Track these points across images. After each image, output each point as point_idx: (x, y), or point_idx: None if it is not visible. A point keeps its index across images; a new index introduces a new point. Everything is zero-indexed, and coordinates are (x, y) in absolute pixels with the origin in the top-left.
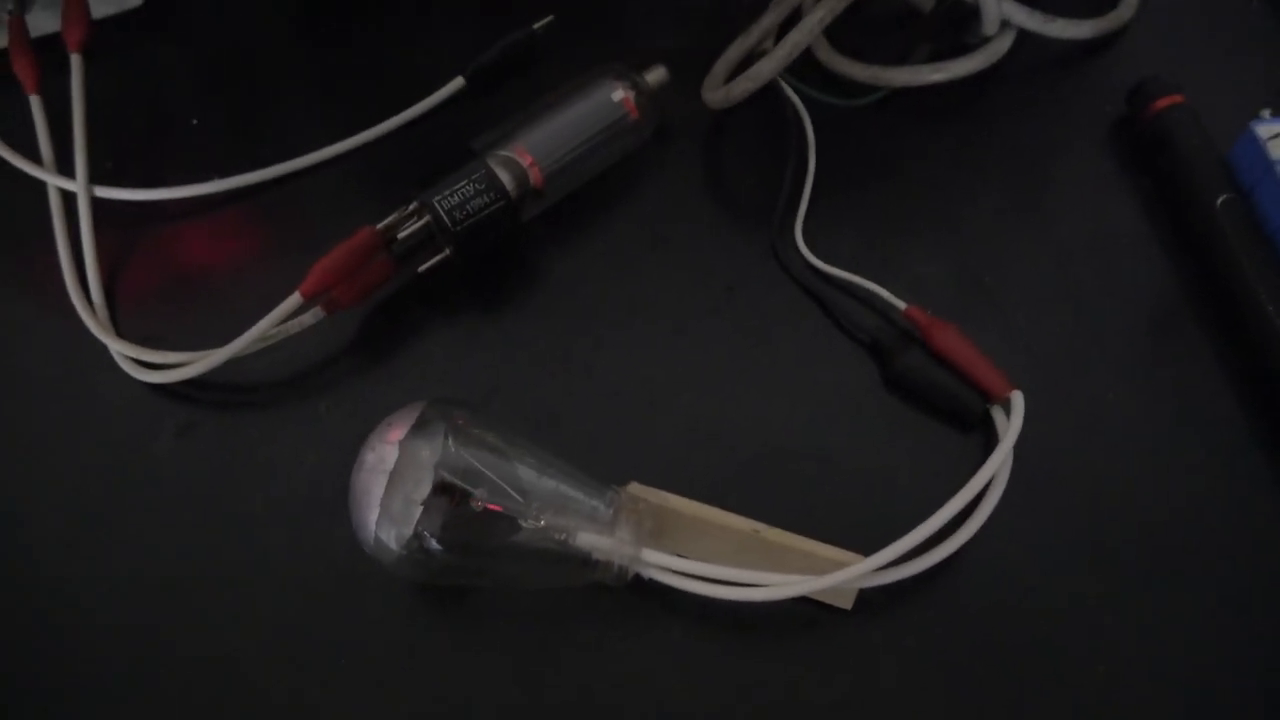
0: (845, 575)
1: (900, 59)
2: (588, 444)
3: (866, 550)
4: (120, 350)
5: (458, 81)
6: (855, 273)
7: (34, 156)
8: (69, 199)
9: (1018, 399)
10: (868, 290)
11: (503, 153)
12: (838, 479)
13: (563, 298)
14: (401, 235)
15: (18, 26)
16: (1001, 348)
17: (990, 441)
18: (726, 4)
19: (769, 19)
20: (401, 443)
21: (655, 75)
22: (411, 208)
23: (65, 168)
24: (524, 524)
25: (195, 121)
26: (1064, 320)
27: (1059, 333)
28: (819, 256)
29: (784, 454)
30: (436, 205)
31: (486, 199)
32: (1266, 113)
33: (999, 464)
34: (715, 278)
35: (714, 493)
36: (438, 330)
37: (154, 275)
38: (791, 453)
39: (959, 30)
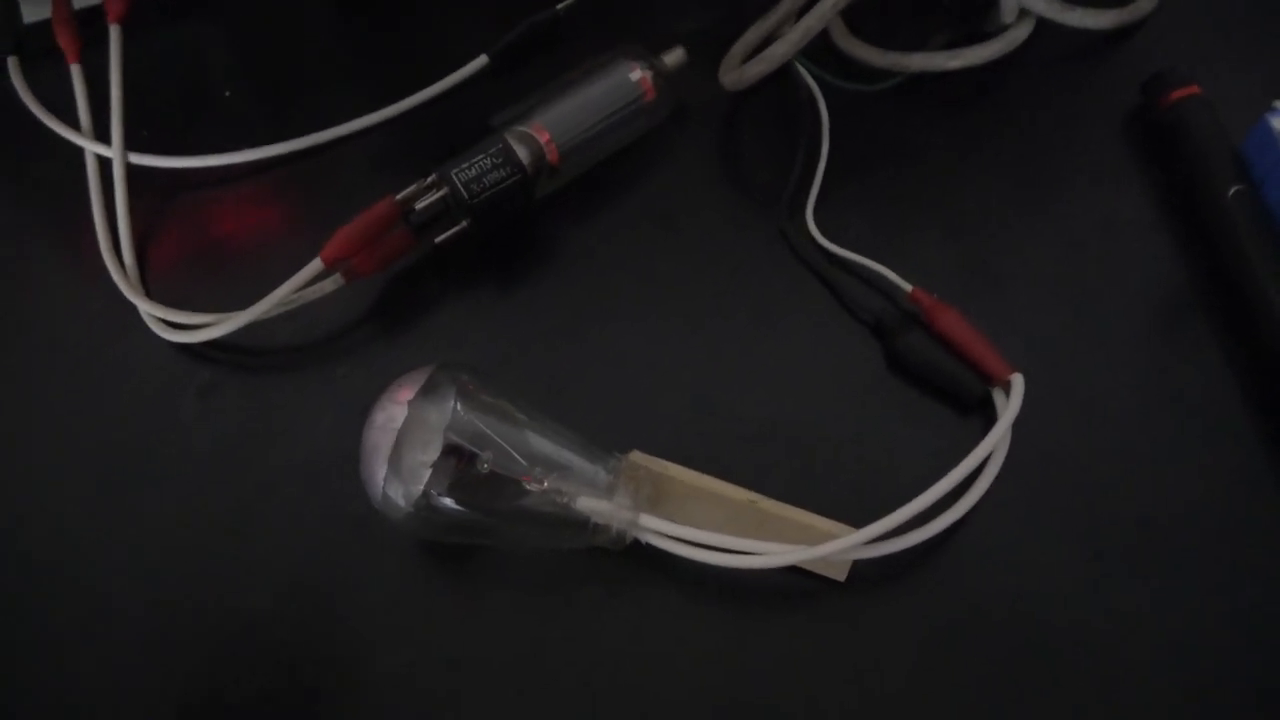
0: (838, 545)
1: (917, 45)
2: (592, 413)
3: (862, 524)
4: (149, 310)
5: (481, 60)
6: (863, 255)
7: (73, 123)
8: (105, 165)
9: (1018, 381)
10: (874, 272)
11: (521, 129)
12: (836, 455)
13: (574, 272)
14: (420, 206)
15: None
16: (1005, 332)
17: (990, 423)
18: None
19: (787, 3)
20: (410, 403)
21: (673, 57)
22: (430, 179)
23: (102, 135)
24: (527, 487)
25: (228, 94)
26: (1069, 307)
27: (1063, 319)
28: (828, 238)
29: (784, 429)
30: (454, 178)
31: (503, 173)
32: None
33: (995, 441)
34: (724, 256)
35: (713, 464)
36: (452, 300)
37: (184, 240)
38: (791, 428)
39: (977, 17)
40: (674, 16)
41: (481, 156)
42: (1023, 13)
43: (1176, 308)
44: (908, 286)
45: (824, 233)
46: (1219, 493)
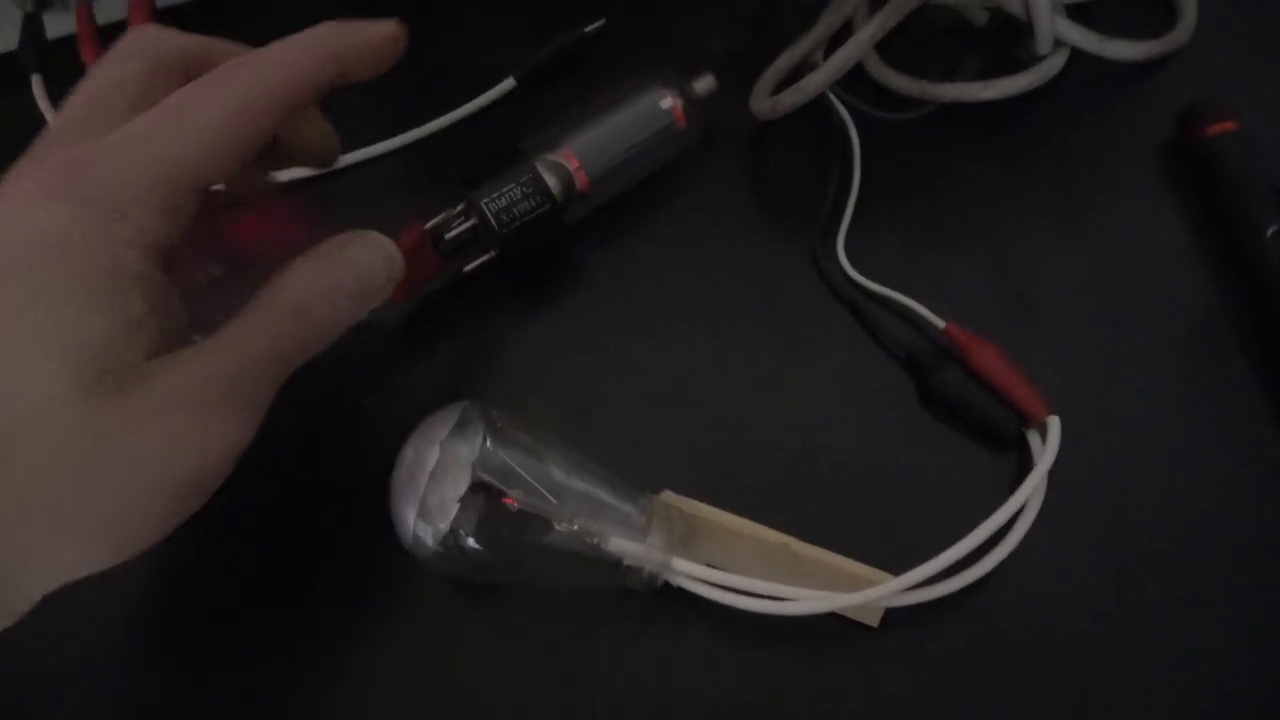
0: (873, 594)
1: (950, 73)
2: (623, 445)
3: (895, 566)
4: None
5: (509, 82)
6: (895, 286)
7: None
8: None
9: (1054, 424)
10: (907, 306)
11: (550, 156)
12: (869, 492)
13: (603, 298)
14: (449, 235)
15: (86, 15)
16: (1039, 366)
17: (1025, 461)
18: (777, 9)
19: (820, 30)
20: (442, 443)
21: (704, 83)
22: (460, 208)
23: None
24: (557, 526)
25: None
26: (1104, 341)
27: (1099, 353)
28: (860, 268)
29: (816, 464)
30: (484, 207)
31: (533, 203)
32: None
33: (1032, 490)
34: (755, 285)
35: (744, 500)
36: (479, 326)
37: (209, 261)
38: (824, 464)
39: (1011, 46)
40: (702, 37)
41: (512, 186)
42: (1058, 43)
43: (1214, 343)
44: (940, 322)
45: (855, 262)
46: (1262, 531)
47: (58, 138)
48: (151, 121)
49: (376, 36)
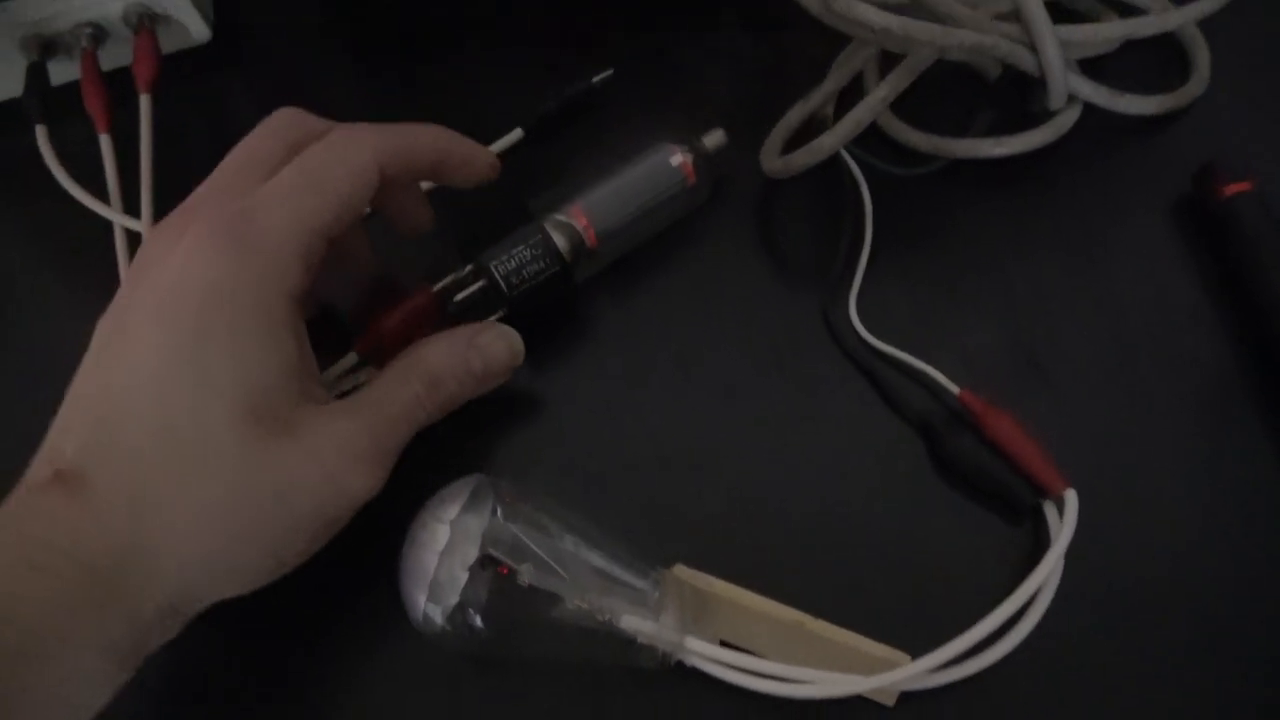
0: (892, 679)
1: (962, 127)
2: (633, 513)
3: (911, 640)
4: None
5: (516, 133)
6: (907, 345)
7: (101, 193)
8: (135, 238)
9: (1071, 499)
10: (921, 370)
11: (559, 215)
12: (884, 563)
13: (611, 357)
14: (458, 297)
15: (91, 64)
16: (1051, 429)
17: (1040, 531)
18: (786, 58)
19: (829, 85)
20: (453, 522)
21: (713, 139)
22: (468, 270)
23: (131, 203)
24: (568, 603)
25: None
26: (1119, 405)
27: (1113, 418)
28: (871, 328)
29: (829, 532)
30: (494, 270)
31: (542, 264)
32: None
33: (1050, 569)
34: (766, 342)
35: (757, 572)
36: None
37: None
38: (837, 532)
39: (1023, 98)
40: (708, 87)
41: (520, 247)
42: (1071, 98)
43: (1231, 406)
44: (955, 388)
45: (865, 321)
46: None
47: (213, 194)
48: (291, 180)
49: (480, 155)
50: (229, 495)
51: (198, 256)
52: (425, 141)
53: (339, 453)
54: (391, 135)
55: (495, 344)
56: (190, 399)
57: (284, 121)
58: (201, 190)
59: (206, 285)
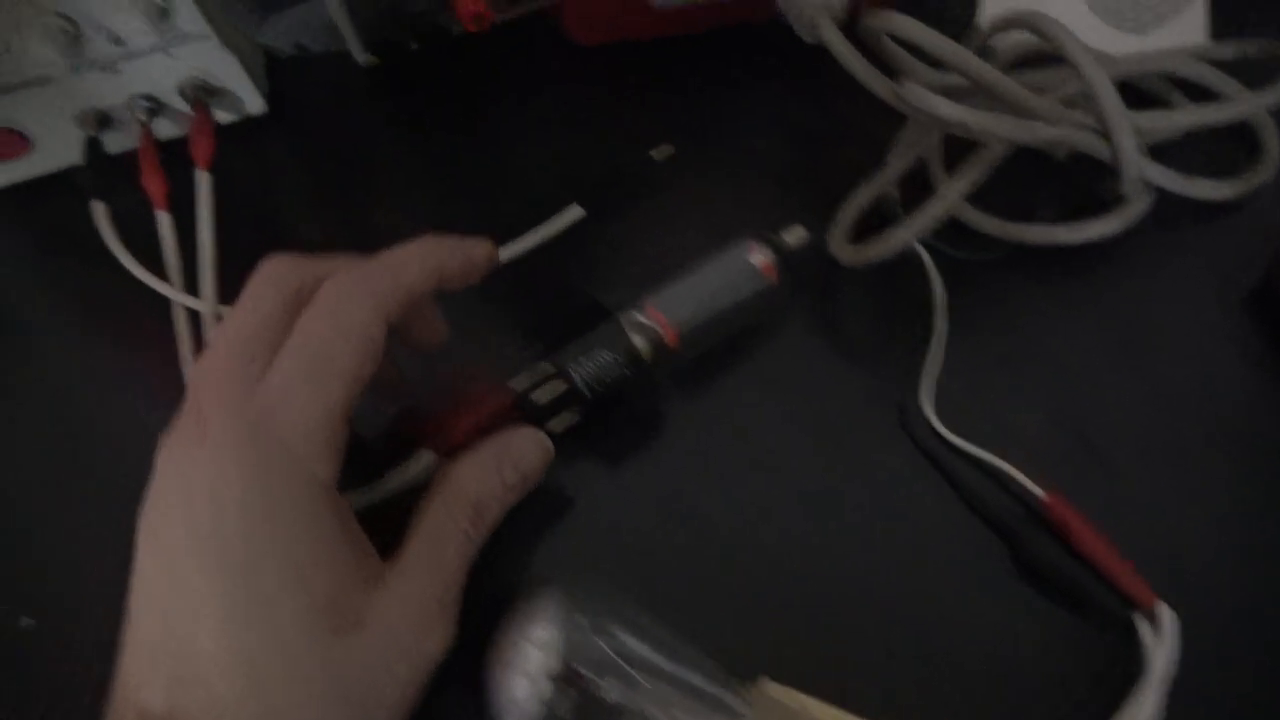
0: None
1: (1025, 208)
2: (708, 619)
3: None
4: None
5: (576, 210)
6: (983, 441)
7: (158, 269)
8: (195, 316)
9: (1166, 615)
10: (1001, 470)
11: (638, 316)
12: (972, 675)
13: (685, 455)
14: (535, 398)
15: (148, 140)
16: (1126, 533)
17: (1132, 642)
18: (846, 132)
19: (894, 167)
20: (531, 640)
21: (795, 236)
22: (546, 370)
23: (188, 277)
24: (655, 718)
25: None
26: (1196, 512)
27: (1190, 525)
28: (946, 421)
29: (914, 641)
30: (573, 374)
31: (623, 370)
32: None
33: (1153, 697)
34: (841, 435)
35: (837, 682)
36: (557, 485)
37: None
38: (921, 640)
39: (1092, 181)
40: (769, 160)
41: (600, 350)
42: (1144, 184)
43: None
44: (1039, 491)
45: (941, 415)
46: None
47: (221, 385)
48: (301, 369)
49: (477, 256)
50: (326, 710)
51: (227, 476)
52: (421, 270)
53: (411, 628)
54: (386, 277)
55: (528, 452)
56: (260, 636)
57: (277, 272)
58: (206, 371)
59: (245, 508)
